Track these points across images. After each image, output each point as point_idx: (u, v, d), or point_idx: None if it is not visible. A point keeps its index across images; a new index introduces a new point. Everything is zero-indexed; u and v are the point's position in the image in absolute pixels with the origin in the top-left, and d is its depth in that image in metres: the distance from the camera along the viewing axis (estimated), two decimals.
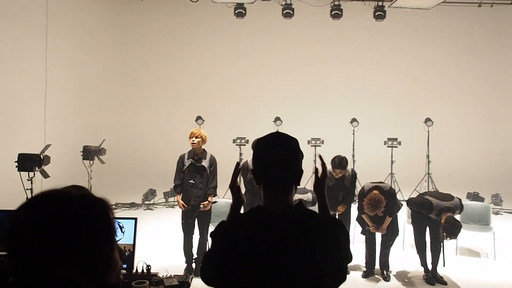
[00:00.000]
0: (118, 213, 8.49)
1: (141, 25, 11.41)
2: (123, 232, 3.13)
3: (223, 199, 6.48)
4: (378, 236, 5.38)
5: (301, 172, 1.59)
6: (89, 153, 7.23)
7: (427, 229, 5.28)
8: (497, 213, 8.87)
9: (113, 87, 11.04)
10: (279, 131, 1.74)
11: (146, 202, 8.92)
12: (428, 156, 9.85)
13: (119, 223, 3.12)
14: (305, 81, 11.41)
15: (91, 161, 7.31)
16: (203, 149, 5.39)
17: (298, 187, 1.64)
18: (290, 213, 1.49)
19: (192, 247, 5.38)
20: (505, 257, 6.12)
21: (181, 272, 5.29)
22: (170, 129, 10.93)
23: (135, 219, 3.16)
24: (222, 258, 1.48)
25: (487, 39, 11.47)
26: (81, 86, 9.96)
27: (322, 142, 9.55)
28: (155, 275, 3.18)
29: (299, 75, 11.41)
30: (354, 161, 9.78)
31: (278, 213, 1.48)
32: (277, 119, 10.02)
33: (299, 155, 1.59)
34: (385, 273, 5.32)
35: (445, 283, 5.14)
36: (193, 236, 5.38)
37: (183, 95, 11.47)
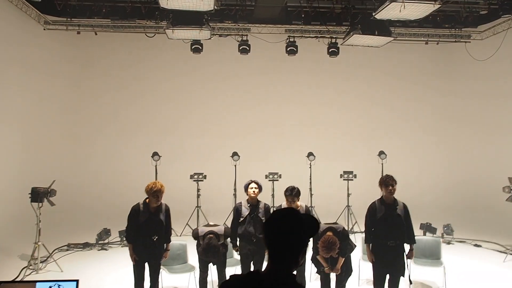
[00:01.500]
0: (70, 254, 8.17)
1: (94, 59, 11.32)
2: None
3: (177, 242, 6.36)
4: (333, 275, 5.41)
5: (301, 248, 1.74)
6: (38, 195, 6.94)
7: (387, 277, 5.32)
8: (448, 243, 9.16)
9: (64, 123, 10.80)
10: (293, 208, 1.88)
11: (100, 242, 8.61)
12: None
13: (60, 286, 2.97)
14: (262, 115, 11.60)
15: (40, 203, 7.02)
16: None
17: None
18: (278, 283, 1.66)
19: None
20: None
21: None
22: (125, 166, 10.74)
23: (77, 281, 3.01)
24: None
25: (435, 73, 12.13)
26: (29, 123, 9.63)
27: (280, 176, 9.64)
28: None
29: (256, 109, 11.59)
30: (311, 194, 9.90)
31: (267, 280, 1.66)
32: (235, 154, 10.04)
33: (298, 234, 1.74)
34: None
35: None
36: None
37: (138, 130, 11.35)
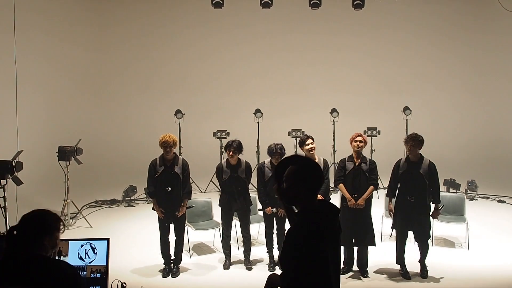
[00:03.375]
0: (98, 211, 8.46)
1: (117, 19, 11.17)
2: (96, 253, 3.10)
3: (202, 199, 6.49)
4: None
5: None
6: (65, 154, 7.10)
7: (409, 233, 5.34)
8: (472, 199, 9.10)
9: (88, 84, 10.84)
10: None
11: (126, 199, 8.86)
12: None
13: (91, 244, 3.09)
14: (285, 72, 11.38)
15: (68, 162, 7.19)
16: (174, 153, 5.34)
17: None
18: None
19: (169, 248, 5.41)
20: (478, 245, 6.31)
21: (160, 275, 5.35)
22: (150, 124, 10.83)
23: (108, 239, 3.12)
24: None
25: (463, 27, 11.51)
26: (55, 83, 9.72)
27: (303, 133, 9.54)
28: None
29: (278, 66, 11.37)
30: (334, 151, 9.87)
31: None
32: (258, 111, 9.99)
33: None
34: (363, 271, 5.38)
35: (426, 277, 5.26)
36: (169, 237, 5.41)
37: (162, 88, 11.34)
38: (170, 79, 11.41)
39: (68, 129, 9.47)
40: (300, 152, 5.67)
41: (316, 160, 5.45)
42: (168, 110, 10.18)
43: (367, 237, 5.28)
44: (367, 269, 5.40)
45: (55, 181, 7.84)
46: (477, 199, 9.19)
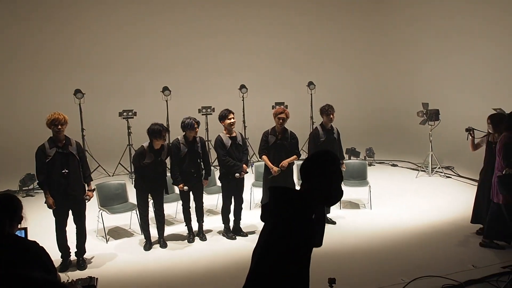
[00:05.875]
0: None
1: None
2: None
3: (115, 181, 6.19)
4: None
5: None
6: None
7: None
8: (370, 164, 9.96)
9: None
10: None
11: (24, 188, 8.08)
12: (312, 117, 10.54)
13: None
14: (193, 49, 11.16)
15: None
16: (65, 135, 4.88)
17: None
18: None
19: (67, 239, 5.01)
20: (379, 205, 7.01)
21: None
22: (46, 105, 9.83)
23: (25, 229, 2.82)
24: None
25: (364, 8, 12.30)
26: None
27: (213, 110, 9.54)
28: None
29: (186, 42, 11.11)
30: (245, 126, 10.02)
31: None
32: (165, 89, 9.69)
33: None
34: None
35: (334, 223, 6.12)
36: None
37: (61, 67, 10.37)
38: (68, 57, 10.46)
39: None
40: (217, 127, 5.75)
41: (235, 135, 5.61)
42: (66, 90, 9.39)
43: None
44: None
45: None
46: (374, 165, 10.09)
